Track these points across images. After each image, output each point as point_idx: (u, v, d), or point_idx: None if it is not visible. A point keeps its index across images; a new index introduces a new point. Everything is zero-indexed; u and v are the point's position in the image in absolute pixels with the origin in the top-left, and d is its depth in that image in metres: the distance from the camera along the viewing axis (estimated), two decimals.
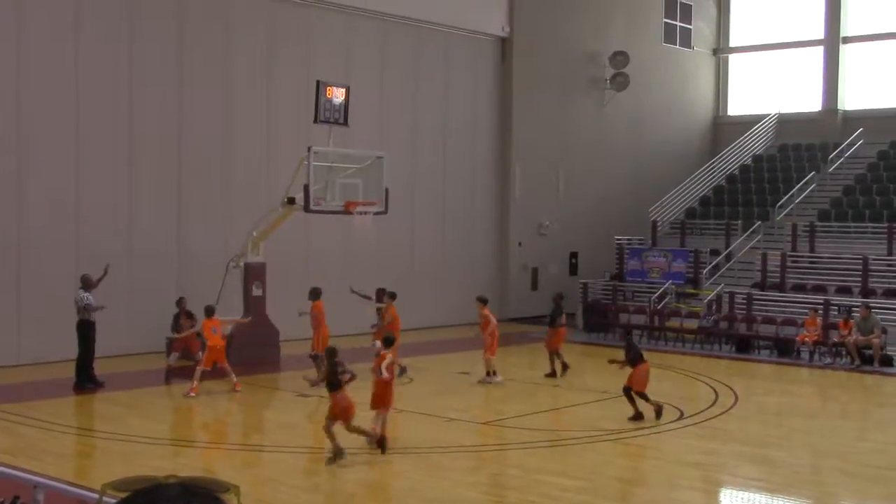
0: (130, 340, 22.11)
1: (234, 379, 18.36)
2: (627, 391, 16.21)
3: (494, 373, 19.65)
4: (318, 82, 20.67)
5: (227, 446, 14.92)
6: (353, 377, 13.39)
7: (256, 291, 21.84)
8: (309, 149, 20.15)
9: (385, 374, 13.88)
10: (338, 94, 20.73)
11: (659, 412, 16.23)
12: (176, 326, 21.39)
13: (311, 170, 20.05)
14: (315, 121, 20.58)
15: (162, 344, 21.67)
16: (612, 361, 16.96)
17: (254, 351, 21.42)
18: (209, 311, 18.87)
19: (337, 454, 12.89)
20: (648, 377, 16.45)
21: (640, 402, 16.11)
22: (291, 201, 20.80)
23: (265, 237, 22.01)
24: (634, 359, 16.45)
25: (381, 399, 13.96)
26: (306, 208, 20.30)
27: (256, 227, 21.90)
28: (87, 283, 18.99)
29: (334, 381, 13.11)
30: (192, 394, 17.82)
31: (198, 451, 14.43)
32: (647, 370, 16.49)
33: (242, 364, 20.72)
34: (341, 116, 20.82)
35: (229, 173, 24.59)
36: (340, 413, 13.02)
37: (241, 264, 21.91)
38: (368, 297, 21.49)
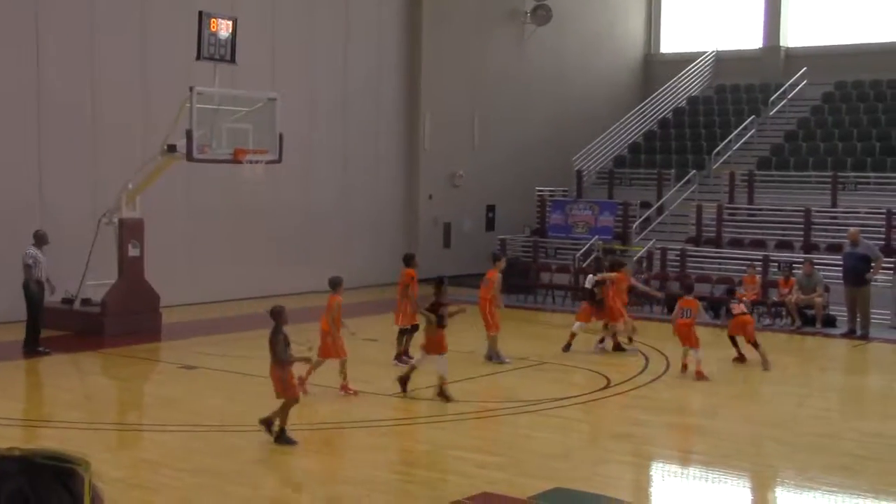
0: None
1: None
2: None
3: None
4: (200, 13, 20.32)
5: (101, 425, 14.76)
6: None
7: (133, 251, 21.56)
8: (191, 89, 19.86)
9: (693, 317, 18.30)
10: (223, 28, 20.43)
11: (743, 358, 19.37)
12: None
13: (194, 113, 19.76)
14: (198, 58, 20.24)
15: (18, 312, 20.77)
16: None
17: (131, 318, 21.19)
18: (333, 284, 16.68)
19: None
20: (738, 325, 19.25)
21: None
22: (172, 149, 20.51)
23: (142, 190, 21.71)
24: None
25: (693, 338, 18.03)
26: (189, 157, 20.02)
27: (132, 179, 21.58)
28: (38, 240, 19.02)
29: None
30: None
31: (65, 431, 14.26)
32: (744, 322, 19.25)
33: (119, 333, 20.57)
34: (228, 53, 20.52)
35: (98, 117, 24.08)
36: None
37: (115, 220, 21.59)
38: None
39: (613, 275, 20.49)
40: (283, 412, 13.03)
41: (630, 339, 20.47)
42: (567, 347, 20.08)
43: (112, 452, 13.14)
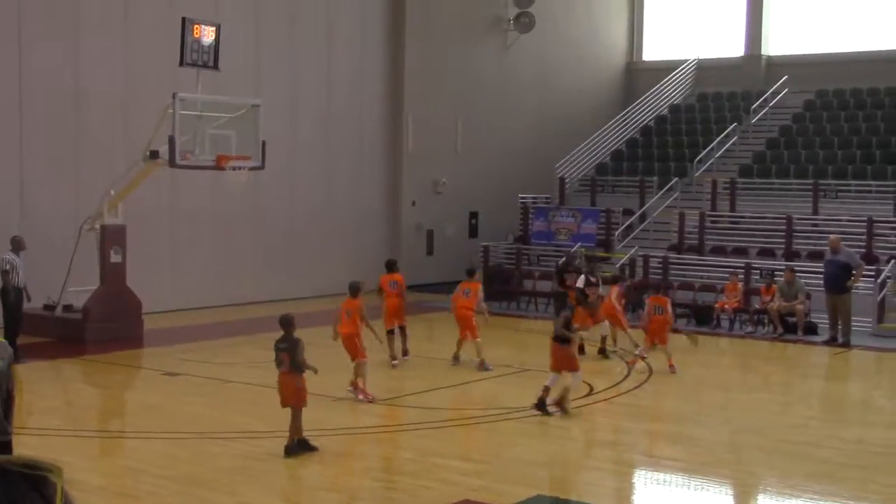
0: None
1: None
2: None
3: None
4: (183, 19, 20.30)
5: (82, 433, 14.69)
6: None
7: (115, 257, 21.50)
8: (174, 95, 19.83)
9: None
10: (206, 34, 20.40)
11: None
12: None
13: (177, 119, 19.73)
14: (181, 64, 20.21)
15: None
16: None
17: (112, 325, 21.11)
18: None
19: None
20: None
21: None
22: (154, 155, 20.46)
23: (124, 196, 21.64)
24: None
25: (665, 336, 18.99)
26: (172, 163, 19.99)
27: (114, 185, 21.51)
28: (14, 245, 18.93)
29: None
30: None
31: (46, 439, 14.18)
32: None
33: (100, 340, 20.49)
34: (211, 59, 20.49)
35: (81, 123, 24.01)
36: None
37: (97, 227, 21.52)
38: None
39: (613, 291, 20.66)
40: (296, 421, 12.94)
41: (637, 350, 20.35)
42: (581, 351, 20.20)
43: (94, 460, 13.09)
